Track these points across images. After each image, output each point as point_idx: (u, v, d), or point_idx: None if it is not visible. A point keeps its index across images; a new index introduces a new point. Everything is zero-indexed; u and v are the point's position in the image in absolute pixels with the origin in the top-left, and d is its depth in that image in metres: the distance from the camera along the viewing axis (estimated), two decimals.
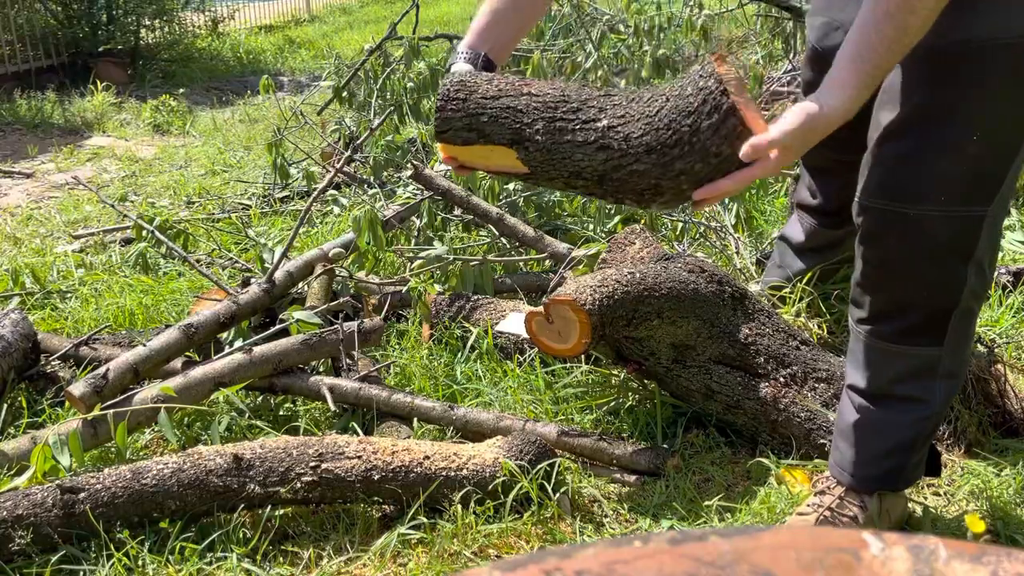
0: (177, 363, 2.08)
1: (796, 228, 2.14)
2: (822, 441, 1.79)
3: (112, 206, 3.12)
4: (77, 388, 1.85)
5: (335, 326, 2.06)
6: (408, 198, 3.22)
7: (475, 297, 2.39)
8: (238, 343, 2.14)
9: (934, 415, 1.49)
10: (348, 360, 2.08)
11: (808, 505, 1.59)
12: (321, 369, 2.17)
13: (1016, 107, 1.31)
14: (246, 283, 2.35)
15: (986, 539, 1.59)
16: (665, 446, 1.86)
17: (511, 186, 3.14)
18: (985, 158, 1.32)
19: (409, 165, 2.98)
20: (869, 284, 1.46)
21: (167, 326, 2.22)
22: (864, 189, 1.42)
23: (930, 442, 1.56)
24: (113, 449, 1.88)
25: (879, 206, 1.39)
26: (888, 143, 1.37)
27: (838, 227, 2.05)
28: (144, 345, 2.00)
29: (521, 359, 2.17)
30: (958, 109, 1.31)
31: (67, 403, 2.01)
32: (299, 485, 1.61)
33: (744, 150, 1.24)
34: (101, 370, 1.90)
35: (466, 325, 2.30)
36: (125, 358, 1.95)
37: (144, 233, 2.86)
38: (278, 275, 2.33)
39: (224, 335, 2.22)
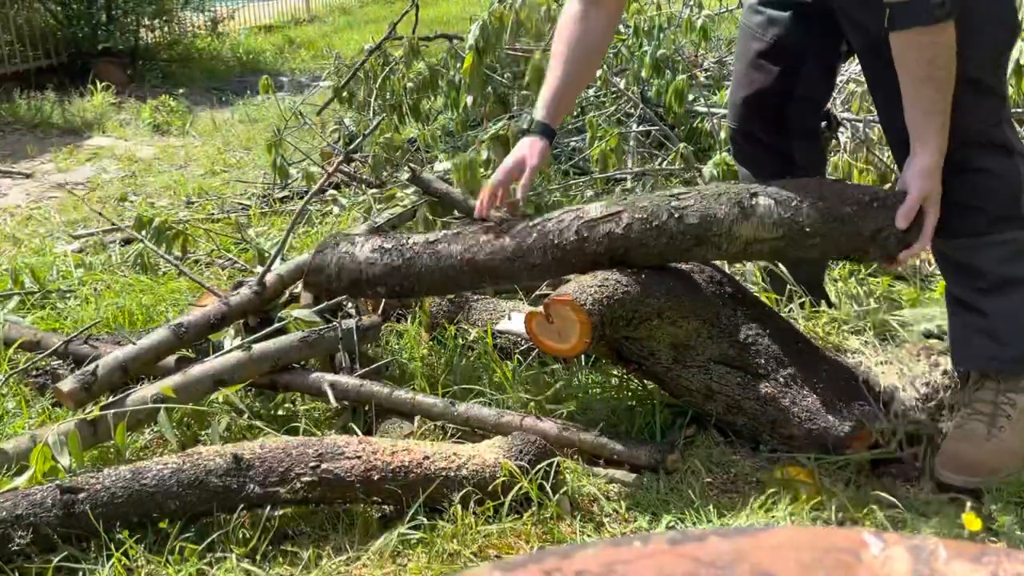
0: (175, 362, 2.08)
1: None
2: (822, 441, 1.79)
3: (100, 214, 3.12)
4: (66, 384, 1.85)
5: (334, 324, 2.06)
6: (410, 196, 3.21)
7: (475, 297, 2.39)
8: (237, 341, 2.14)
9: None
10: (348, 359, 2.08)
11: (963, 416, 1.76)
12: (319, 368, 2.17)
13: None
14: (238, 285, 2.36)
15: (983, 536, 1.59)
16: (665, 441, 1.85)
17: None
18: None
19: (406, 168, 2.97)
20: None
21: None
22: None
23: None
24: (112, 450, 1.88)
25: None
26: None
27: None
28: (134, 343, 2.01)
29: (521, 359, 2.17)
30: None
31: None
32: (299, 485, 1.61)
33: (899, 222, 1.66)
34: (91, 367, 1.90)
35: (466, 326, 2.30)
36: (115, 355, 1.96)
37: (143, 234, 2.86)
38: (269, 278, 2.33)
39: (221, 336, 2.22)
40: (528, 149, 1.93)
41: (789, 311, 2.25)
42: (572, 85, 2.01)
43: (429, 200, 2.90)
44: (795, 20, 1.96)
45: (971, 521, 1.52)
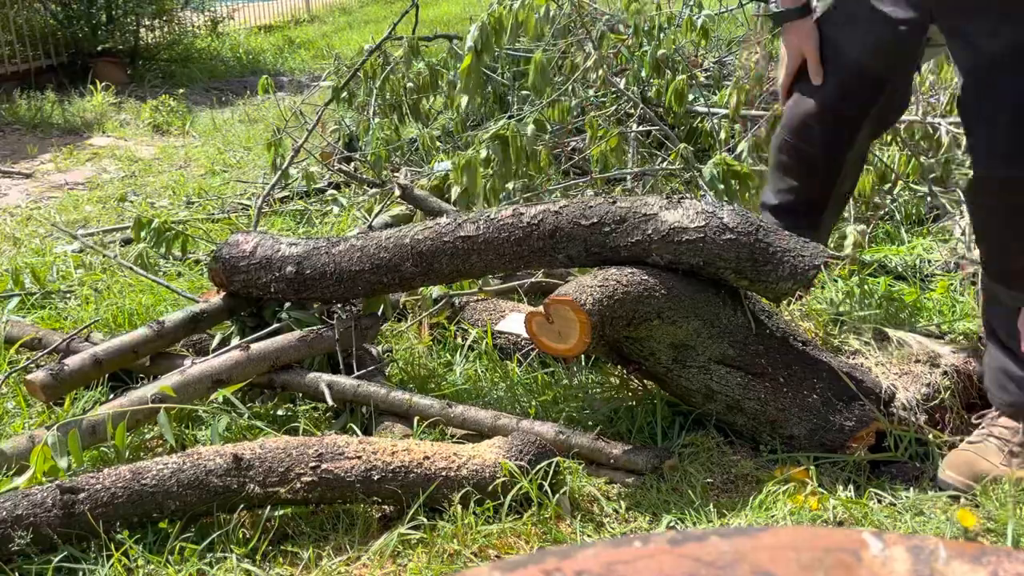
0: (175, 362, 2.08)
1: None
2: (822, 441, 1.79)
3: (79, 248, 3.11)
4: (36, 376, 1.85)
5: (332, 323, 2.06)
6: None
7: (475, 297, 2.39)
8: (235, 340, 2.15)
9: None
10: (345, 355, 2.08)
11: (980, 435, 1.79)
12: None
13: None
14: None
15: (983, 536, 1.59)
16: (662, 447, 1.85)
17: (511, 185, 3.14)
18: None
19: (397, 184, 2.94)
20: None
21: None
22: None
23: None
24: (112, 451, 1.88)
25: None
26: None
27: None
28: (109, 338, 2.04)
29: (521, 359, 2.17)
30: None
31: (66, 402, 2.01)
32: (299, 485, 1.61)
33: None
34: (68, 360, 1.92)
35: (465, 326, 2.30)
36: (89, 348, 1.97)
37: (142, 234, 2.86)
38: None
39: (214, 330, 2.23)
40: (796, 37, 2.01)
41: (789, 311, 2.25)
42: None
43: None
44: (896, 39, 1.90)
45: (964, 517, 1.52)
